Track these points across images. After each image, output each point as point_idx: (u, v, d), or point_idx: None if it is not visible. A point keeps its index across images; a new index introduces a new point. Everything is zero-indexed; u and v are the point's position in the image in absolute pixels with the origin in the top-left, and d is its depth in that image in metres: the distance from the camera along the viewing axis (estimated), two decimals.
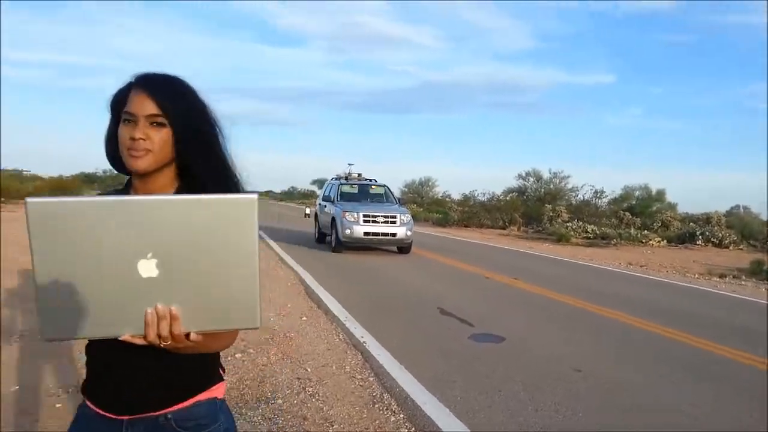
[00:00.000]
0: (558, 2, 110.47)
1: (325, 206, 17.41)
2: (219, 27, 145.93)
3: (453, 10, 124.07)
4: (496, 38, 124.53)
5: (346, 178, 18.18)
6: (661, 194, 40.95)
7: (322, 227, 18.03)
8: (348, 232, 15.16)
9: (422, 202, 54.30)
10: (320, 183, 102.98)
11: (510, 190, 43.14)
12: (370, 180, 18.33)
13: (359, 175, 18.41)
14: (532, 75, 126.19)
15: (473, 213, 37.63)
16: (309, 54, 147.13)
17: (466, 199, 45.62)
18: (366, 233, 15.27)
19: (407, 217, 15.92)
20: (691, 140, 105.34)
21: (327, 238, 17.20)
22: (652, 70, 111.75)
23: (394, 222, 15.58)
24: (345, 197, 16.94)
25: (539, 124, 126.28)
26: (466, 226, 35.29)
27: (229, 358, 5.59)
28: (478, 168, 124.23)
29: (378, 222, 15.41)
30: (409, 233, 15.72)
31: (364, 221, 15.28)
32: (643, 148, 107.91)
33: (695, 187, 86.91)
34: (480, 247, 21.10)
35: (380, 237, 15.49)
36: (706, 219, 32.94)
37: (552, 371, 5.66)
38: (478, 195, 43.28)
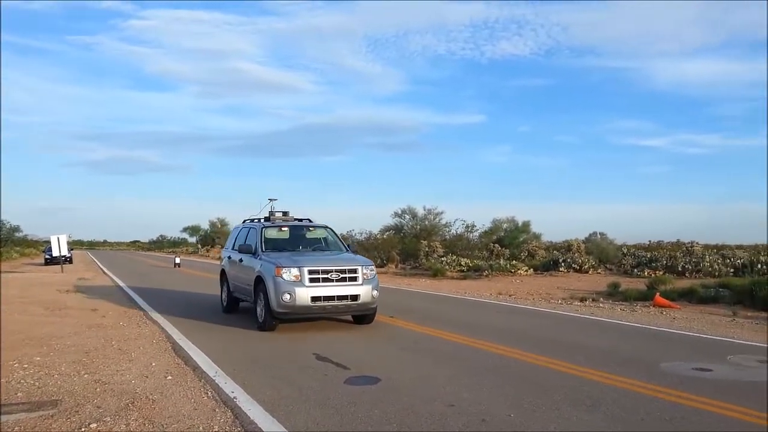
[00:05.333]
0: (425, 49, 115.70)
1: (241, 259, 12.21)
2: (88, 74, 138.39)
3: (329, 56, 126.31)
4: (373, 82, 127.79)
5: (267, 219, 12.82)
6: (526, 225, 43.53)
7: (235, 290, 12.81)
8: (287, 297, 10.12)
9: None
10: (192, 230, 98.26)
11: (387, 228, 43.82)
12: (304, 220, 13.23)
13: (285, 214, 13.09)
14: (408, 116, 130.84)
15: None
16: (180, 98, 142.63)
17: (343, 239, 45.68)
18: (315, 298, 10.25)
19: (371, 270, 10.97)
20: (554, 173, 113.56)
21: (242, 305, 13.08)
22: (518, 111, 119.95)
23: (355, 279, 10.60)
24: (271, 245, 11.80)
25: (416, 162, 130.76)
26: None
27: (83, 429, 5.09)
28: (355, 207, 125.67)
29: (331, 280, 10.41)
30: (375, 294, 10.84)
31: (312, 280, 10.30)
32: (511, 183, 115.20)
33: (557, 218, 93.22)
34: None
35: (336, 303, 10.44)
36: (567, 246, 35.35)
37: (426, 408, 5.66)
38: (355, 234, 43.56)
